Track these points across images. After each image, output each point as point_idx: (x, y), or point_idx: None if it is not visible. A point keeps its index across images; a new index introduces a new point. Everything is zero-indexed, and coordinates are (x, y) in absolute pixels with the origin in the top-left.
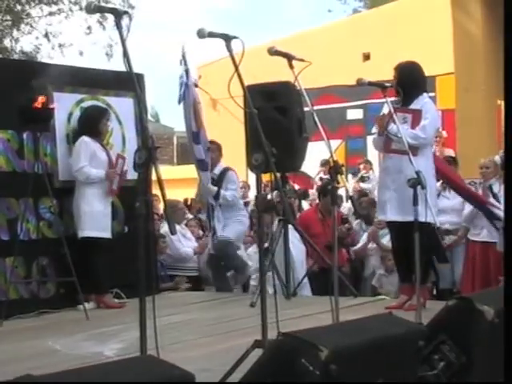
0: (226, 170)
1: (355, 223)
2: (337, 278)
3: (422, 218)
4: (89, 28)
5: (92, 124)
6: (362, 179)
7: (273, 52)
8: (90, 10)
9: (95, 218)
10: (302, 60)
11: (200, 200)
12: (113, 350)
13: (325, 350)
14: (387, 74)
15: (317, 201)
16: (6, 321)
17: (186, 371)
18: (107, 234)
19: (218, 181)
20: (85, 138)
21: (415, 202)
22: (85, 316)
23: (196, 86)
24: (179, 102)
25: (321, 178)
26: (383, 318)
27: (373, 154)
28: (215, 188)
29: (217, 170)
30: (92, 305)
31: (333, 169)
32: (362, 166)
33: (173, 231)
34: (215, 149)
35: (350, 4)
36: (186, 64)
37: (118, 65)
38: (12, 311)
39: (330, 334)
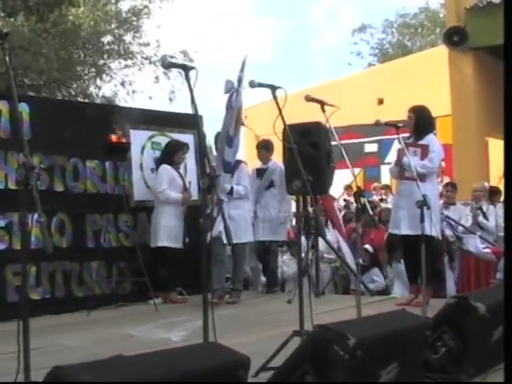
0: (238, 163)
1: None
2: (360, 281)
3: (427, 232)
4: (156, 78)
5: (171, 154)
6: (382, 200)
7: (309, 99)
8: (165, 65)
9: (171, 231)
10: (332, 105)
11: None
12: (178, 337)
13: (352, 339)
14: (398, 115)
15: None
16: (92, 312)
17: (243, 354)
18: (179, 245)
19: (231, 172)
20: (166, 166)
21: (422, 220)
22: (154, 309)
23: (243, 124)
24: (228, 109)
25: (344, 200)
26: (398, 313)
27: (386, 180)
28: (229, 186)
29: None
30: (160, 300)
31: (357, 193)
32: (383, 191)
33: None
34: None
35: (366, 59)
36: (242, 71)
37: (178, 107)
38: (97, 304)
39: (356, 326)
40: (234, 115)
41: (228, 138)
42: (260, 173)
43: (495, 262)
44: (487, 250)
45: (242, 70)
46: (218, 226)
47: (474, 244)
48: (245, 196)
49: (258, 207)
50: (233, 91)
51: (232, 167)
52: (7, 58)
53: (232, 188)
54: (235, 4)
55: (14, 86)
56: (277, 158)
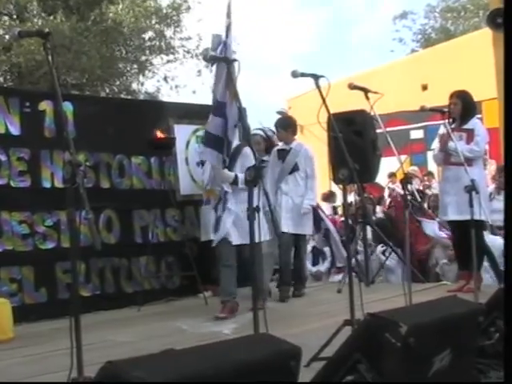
0: (240, 147)
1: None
2: (409, 268)
3: (476, 217)
4: (199, 71)
5: None
6: (427, 187)
7: (352, 86)
8: (207, 59)
9: None
10: (376, 92)
11: (211, 189)
12: (229, 329)
13: (404, 326)
14: (442, 101)
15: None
16: (142, 307)
17: (294, 345)
18: None
19: (231, 159)
20: None
21: (471, 204)
22: (204, 302)
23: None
24: (212, 64)
25: (389, 187)
26: (449, 299)
27: (432, 166)
28: (232, 174)
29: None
30: (210, 294)
31: (404, 180)
32: (426, 178)
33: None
34: (289, 125)
35: (408, 45)
36: (228, 17)
37: None
38: (146, 299)
39: (408, 314)
40: (223, 74)
41: (216, 105)
42: (282, 154)
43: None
44: (444, 235)
45: (228, 16)
46: (225, 225)
47: (432, 228)
48: None
49: (278, 193)
50: (220, 46)
51: (233, 152)
52: (50, 58)
53: (236, 176)
54: None
55: (57, 86)
56: (322, 148)
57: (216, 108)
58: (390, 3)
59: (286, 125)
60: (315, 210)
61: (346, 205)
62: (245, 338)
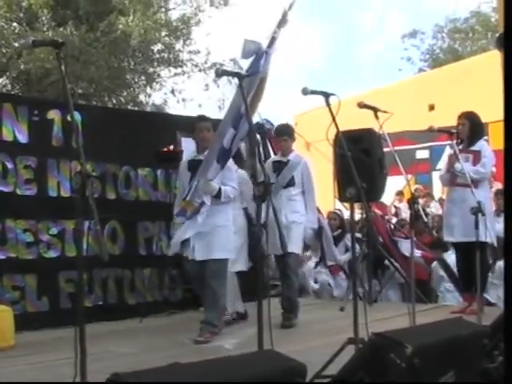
0: None
1: None
2: (413, 289)
3: (482, 239)
4: (206, 85)
5: None
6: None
7: (362, 105)
8: (218, 73)
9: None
10: (385, 112)
11: (190, 201)
12: (231, 345)
13: (409, 347)
14: (449, 121)
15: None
16: (144, 318)
17: (300, 362)
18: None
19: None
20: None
21: (477, 226)
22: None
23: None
24: (252, 74)
25: (394, 206)
26: (454, 320)
27: (437, 187)
28: (216, 186)
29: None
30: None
31: (411, 200)
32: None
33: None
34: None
35: (416, 64)
36: (280, 26)
37: None
38: (149, 311)
39: (413, 334)
40: (254, 84)
41: (236, 118)
42: (278, 167)
43: (424, 266)
44: (418, 254)
45: (280, 26)
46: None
47: (407, 247)
48: (232, 200)
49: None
50: (260, 54)
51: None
52: (63, 68)
53: (220, 190)
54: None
55: (69, 95)
56: (327, 165)
57: (236, 121)
58: (399, 21)
59: (291, 133)
60: None
61: (352, 223)
62: (250, 354)
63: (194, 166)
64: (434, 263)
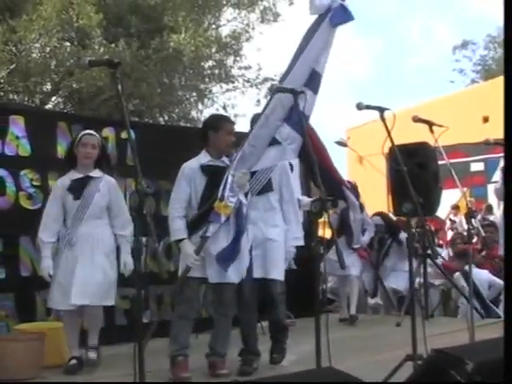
0: None
1: None
2: (472, 303)
3: None
4: (258, 101)
5: None
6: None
7: (417, 119)
8: (273, 90)
9: None
10: (440, 126)
11: (225, 203)
12: (287, 361)
13: (470, 364)
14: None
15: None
16: (200, 334)
17: (358, 379)
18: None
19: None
20: None
21: None
22: (261, 332)
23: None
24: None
25: (450, 219)
26: None
27: (492, 200)
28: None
29: None
30: (266, 323)
31: (468, 214)
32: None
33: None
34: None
35: (468, 75)
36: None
37: None
38: (204, 327)
39: (473, 350)
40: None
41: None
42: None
43: None
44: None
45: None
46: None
47: None
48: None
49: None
50: (335, 7)
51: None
52: (119, 87)
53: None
54: None
55: (126, 114)
56: (381, 179)
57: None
58: (447, 33)
59: None
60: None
61: (410, 238)
62: (310, 371)
63: (210, 170)
64: (457, 274)
